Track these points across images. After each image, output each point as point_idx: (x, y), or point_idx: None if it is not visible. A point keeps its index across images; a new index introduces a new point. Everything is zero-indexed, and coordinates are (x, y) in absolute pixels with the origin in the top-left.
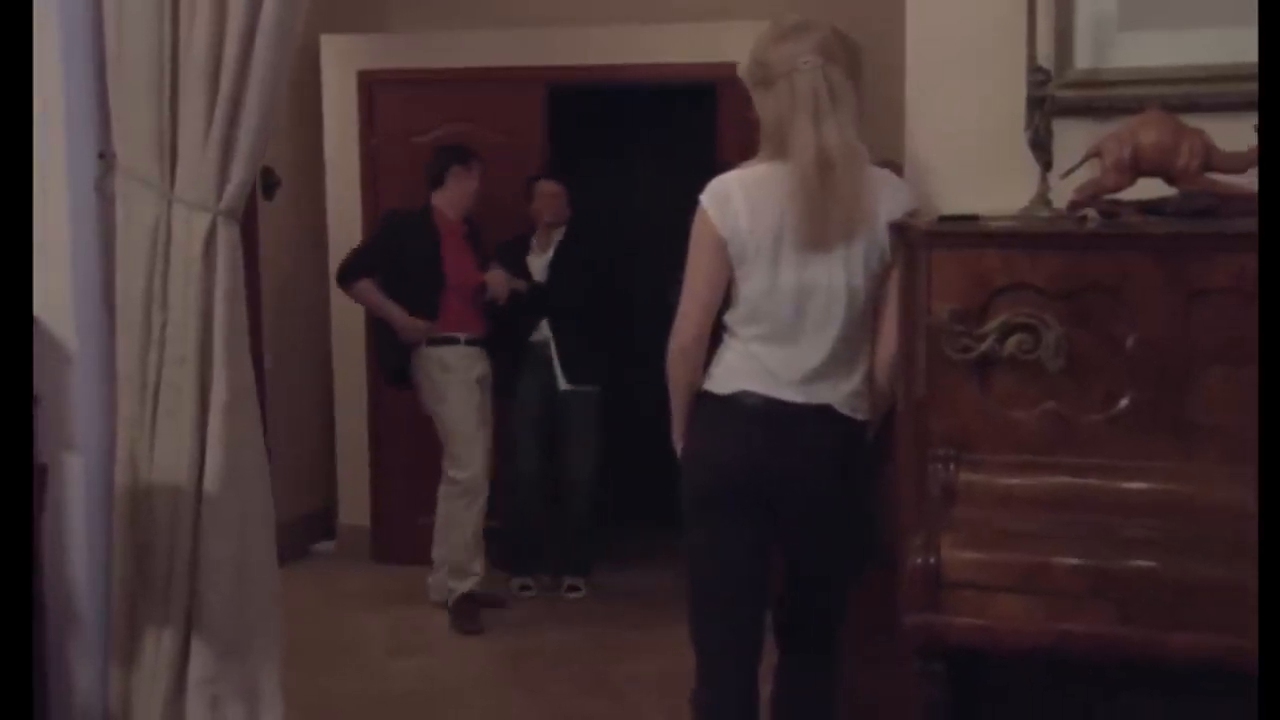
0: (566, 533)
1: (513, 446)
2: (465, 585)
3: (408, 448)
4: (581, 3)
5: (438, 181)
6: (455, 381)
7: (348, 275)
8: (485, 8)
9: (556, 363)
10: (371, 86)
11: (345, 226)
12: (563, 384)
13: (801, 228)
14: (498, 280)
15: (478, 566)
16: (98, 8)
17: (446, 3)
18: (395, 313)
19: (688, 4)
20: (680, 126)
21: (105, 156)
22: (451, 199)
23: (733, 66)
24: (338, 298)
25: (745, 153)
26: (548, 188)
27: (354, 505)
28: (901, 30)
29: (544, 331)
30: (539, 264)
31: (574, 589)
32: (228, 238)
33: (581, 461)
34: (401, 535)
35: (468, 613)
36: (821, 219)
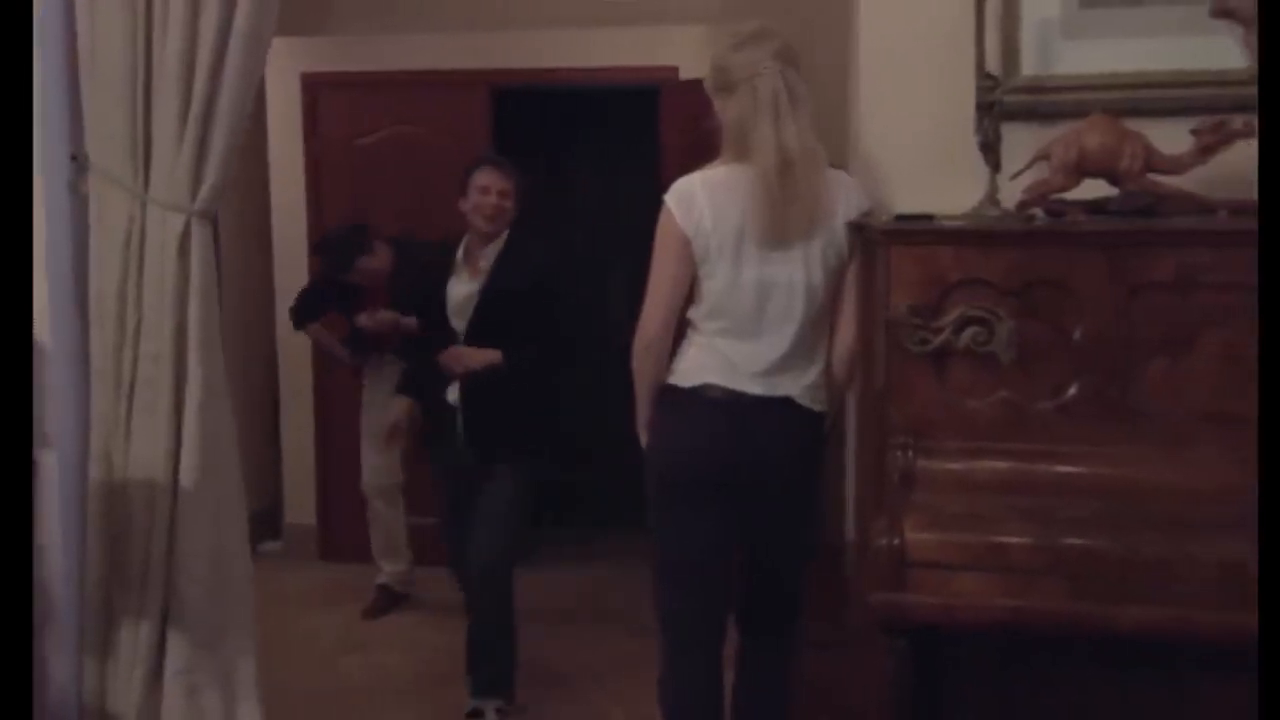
0: (473, 644)
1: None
2: (379, 577)
3: (354, 446)
4: (525, 6)
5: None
6: (365, 392)
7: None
8: (428, 11)
9: (462, 432)
10: (315, 89)
11: (290, 227)
12: (469, 458)
13: (763, 226)
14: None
15: (384, 564)
16: (70, 11)
17: (390, 6)
18: (340, 354)
19: (630, 8)
20: (623, 129)
21: (78, 158)
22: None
23: (674, 70)
24: (284, 298)
25: (687, 154)
26: (486, 179)
27: (300, 504)
28: (839, 38)
29: (455, 391)
30: (461, 294)
31: (476, 714)
32: (201, 238)
33: (486, 552)
34: (348, 534)
35: (373, 601)
36: (782, 217)
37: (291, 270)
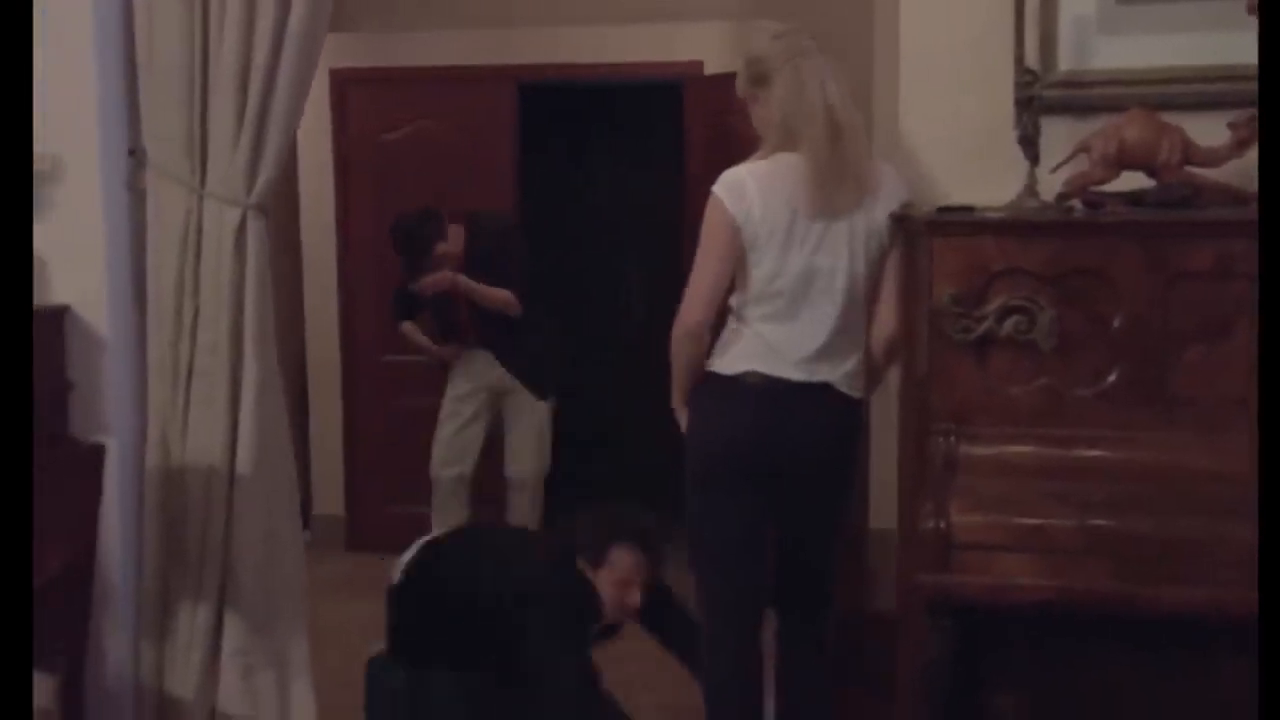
0: None
1: None
2: None
3: (382, 438)
4: (551, 3)
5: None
6: (448, 382)
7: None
8: (456, 7)
9: None
10: (344, 84)
11: (318, 220)
12: None
13: (812, 198)
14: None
15: None
16: (128, 11)
17: (417, 2)
18: (425, 345)
19: (655, 4)
20: (647, 124)
21: (135, 153)
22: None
23: (699, 65)
24: (311, 291)
25: (711, 148)
26: (632, 568)
27: (328, 495)
28: (861, 35)
29: None
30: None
31: None
32: (257, 230)
33: None
34: (376, 524)
35: None
36: (833, 187)
37: (319, 263)
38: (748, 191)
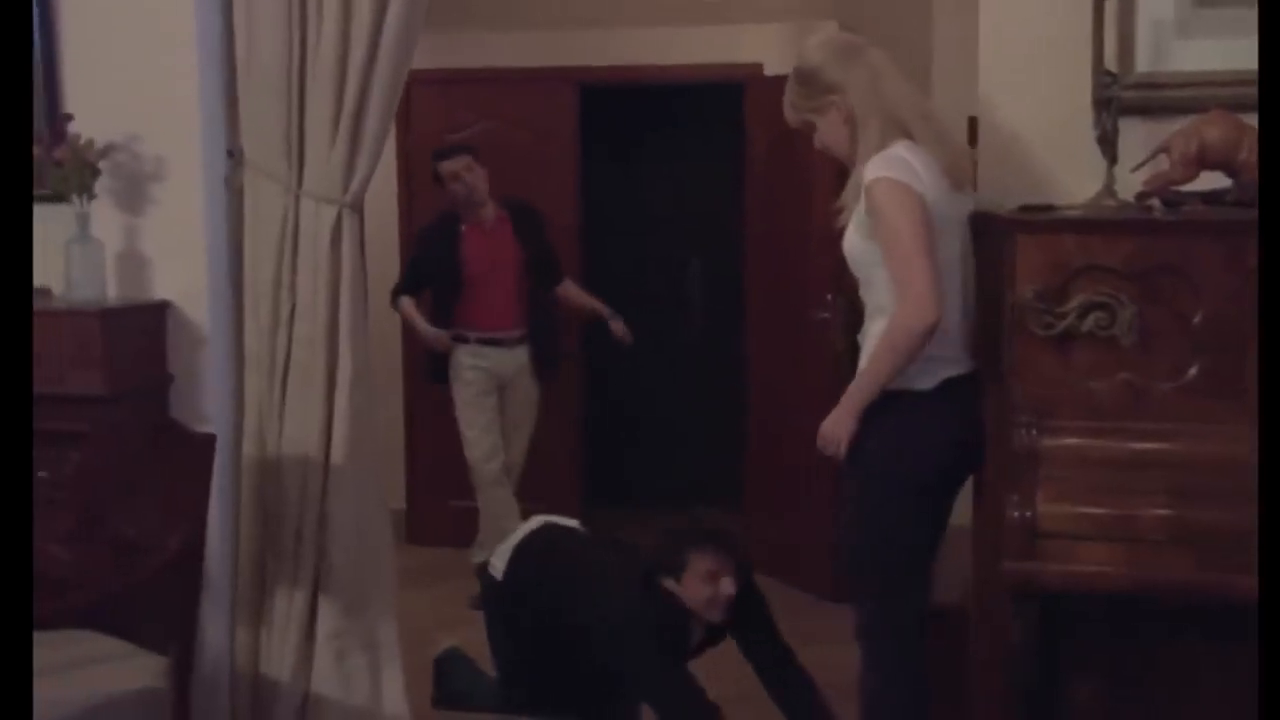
0: None
1: None
2: (477, 557)
3: (441, 433)
4: (613, 5)
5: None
6: (458, 379)
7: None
8: (518, 10)
9: None
10: (409, 85)
11: (382, 219)
12: None
13: (951, 166)
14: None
15: (489, 546)
16: (228, 15)
17: (481, 4)
18: (420, 326)
19: (715, 7)
20: (708, 125)
21: (233, 153)
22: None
23: (759, 67)
24: (374, 287)
25: (771, 150)
26: (712, 561)
27: (389, 489)
28: (919, 37)
29: None
30: None
31: None
32: (351, 228)
33: None
34: (435, 518)
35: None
36: (955, 156)
37: (382, 262)
38: (916, 169)
